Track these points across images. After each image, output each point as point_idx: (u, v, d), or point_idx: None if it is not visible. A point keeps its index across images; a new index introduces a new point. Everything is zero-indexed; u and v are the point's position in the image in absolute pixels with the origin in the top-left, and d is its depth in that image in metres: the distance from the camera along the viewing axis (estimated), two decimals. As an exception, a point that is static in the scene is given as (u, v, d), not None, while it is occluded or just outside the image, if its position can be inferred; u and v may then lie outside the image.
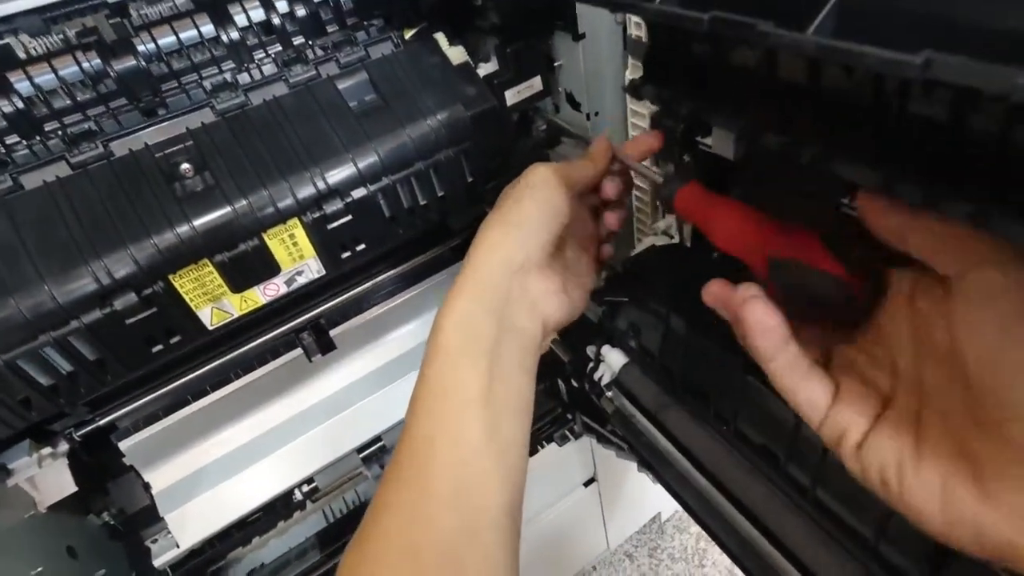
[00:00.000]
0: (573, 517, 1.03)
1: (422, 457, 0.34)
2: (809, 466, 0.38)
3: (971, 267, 0.22)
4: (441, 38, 0.59)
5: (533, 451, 0.89)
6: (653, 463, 0.55)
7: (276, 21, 0.54)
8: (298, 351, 0.73)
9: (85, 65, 0.49)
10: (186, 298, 0.51)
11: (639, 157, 0.43)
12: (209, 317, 0.53)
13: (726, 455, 0.44)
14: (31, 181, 0.47)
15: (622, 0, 0.27)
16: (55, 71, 0.48)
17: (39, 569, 0.57)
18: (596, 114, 0.61)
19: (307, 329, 0.73)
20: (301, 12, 0.55)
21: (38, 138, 0.48)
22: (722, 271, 0.32)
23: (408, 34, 0.60)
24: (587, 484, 0.98)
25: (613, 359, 0.54)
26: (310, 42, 0.57)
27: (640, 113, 0.61)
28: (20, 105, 0.47)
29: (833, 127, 0.28)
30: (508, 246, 0.37)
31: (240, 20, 0.54)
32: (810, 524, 0.40)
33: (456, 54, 0.58)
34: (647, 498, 1.18)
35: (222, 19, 0.53)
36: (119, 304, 0.47)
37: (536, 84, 0.60)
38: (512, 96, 0.59)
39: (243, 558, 0.78)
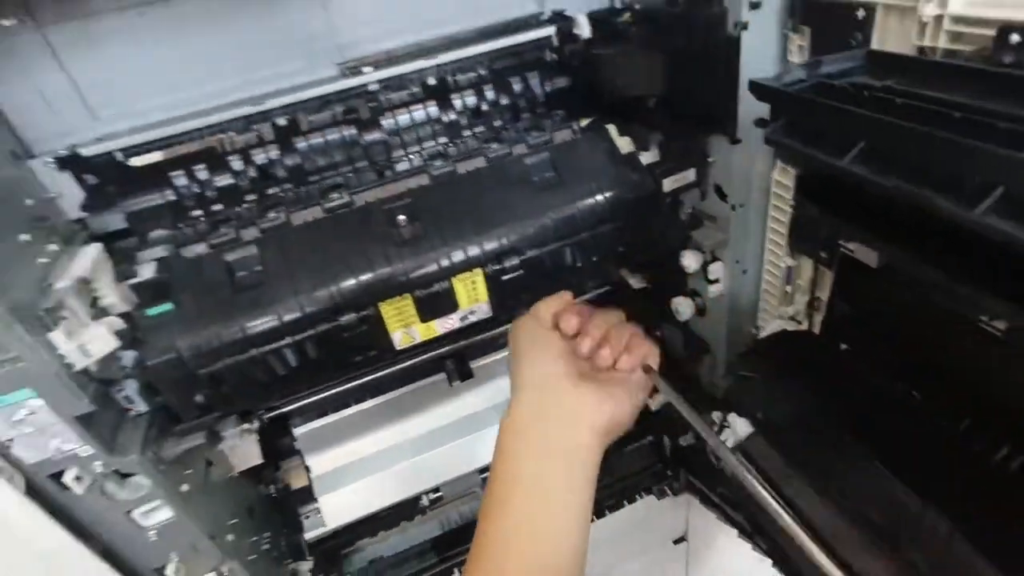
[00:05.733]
0: (657, 574, 1.06)
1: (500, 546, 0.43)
2: (929, 552, 0.43)
3: None
4: (612, 129, 0.70)
5: (623, 504, 0.94)
6: (766, 531, 0.59)
7: (484, 107, 0.67)
8: (442, 375, 0.85)
9: (345, 134, 0.63)
10: (387, 322, 0.63)
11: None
12: (399, 339, 0.65)
13: (845, 530, 0.49)
14: (297, 219, 0.61)
15: (817, 156, 0.35)
16: (324, 138, 0.63)
17: (235, 521, 0.70)
18: (741, 206, 0.68)
19: (452, 358, 0.85)
20: (504, 101, 0.68)
21: (302, 188, 0.63)
22: (851, 360, 0.39)
23: (584, 122, 0.71)
24: (677, 542, 1.01)
25: (739, 427, 0.60)
26: (506, 126, 0.69)
27: (782, 209, 0.68)
28: (297, 161, 0.62)
29: (977, 265, 0.34)
30: (530, 372, 0.50)
31: (458, 105, 0.67)
32: (925, 610, 0.44)
33: (624, 143, 0.69)
34: (736, 566, 1.17)
35: (445, 104, 0.66)
36: (344, 320, 0.60)
37: (690, 175, 0.68)
38: (668, 184, 0.68)
39: (367, 548, 0.89)
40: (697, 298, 0.82)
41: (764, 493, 0.57)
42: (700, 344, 0.84)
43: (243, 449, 0.77)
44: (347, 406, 0.82)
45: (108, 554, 0.59)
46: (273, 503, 0.84)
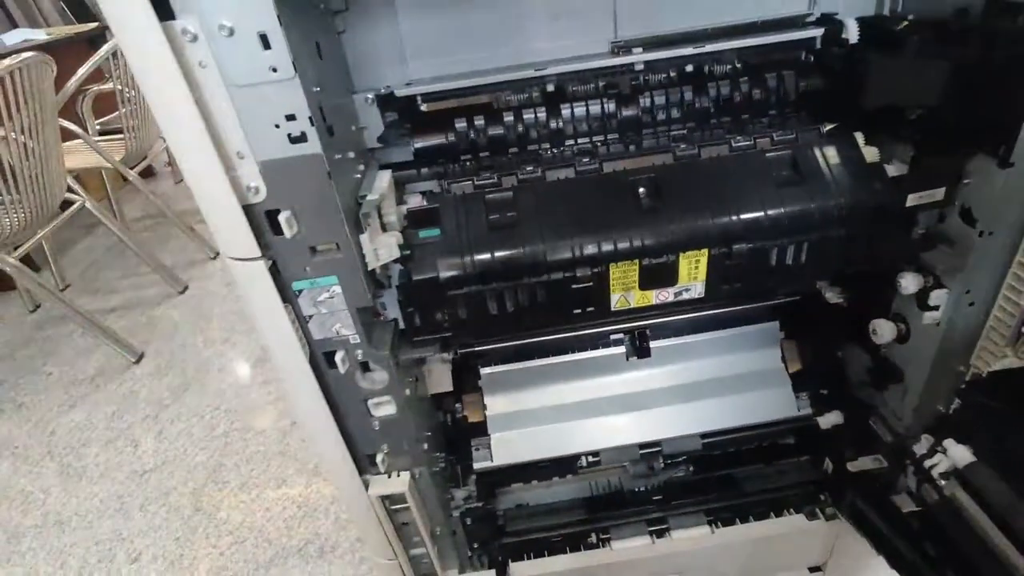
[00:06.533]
0: (782, 598, 1.03)
1: None
2: None
3: None
4: (859, 136, 0.69)
5: (768, 514, 0.92)
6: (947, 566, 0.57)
7: (736, 99, 0.70)
8: (621, 348, 0.89)
9: (604, 107, 0.69)
10: (612, 283, 0.68)
11: None
12: (616, 301, 0.70)
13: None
14: (550, 175, 0.68)
15: None
16: (586, 107, 0.69)
17: (428, 434, 0.79)
18: (990, 233, 0.66)
19: (633, 333, 0.89)
20: (756, 95, 0.70)
21: (558, 149, 0.70)
22: None
23: (828, 127, 0.71)
24: (812, 570, 0.98)
25: (957, 454, 0.58)
26: (752, 119, 0.71)
27: (1041, 244, 0.64)
28: (559, 124, 0.69)
29: None
30: None
31: (712, 93, 0.70)
32: None
33: (870, 153, 0.68)
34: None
35: (699, 90, 0.70)
36: (578, 272, 0.65)
37: (938, 194, 0.67)
38: (913, 199, 0.67)
39: (516, 492, 0.95)
40: (901, 324, 0.79)
41: (985, 519, 0.56)
42: (894, 372, 0.81)
43: (439, 375, 0.86)
44: (530, 359, 0.89)
45: (341, 429, 0.69)
46: (447, 431, 0.92)
